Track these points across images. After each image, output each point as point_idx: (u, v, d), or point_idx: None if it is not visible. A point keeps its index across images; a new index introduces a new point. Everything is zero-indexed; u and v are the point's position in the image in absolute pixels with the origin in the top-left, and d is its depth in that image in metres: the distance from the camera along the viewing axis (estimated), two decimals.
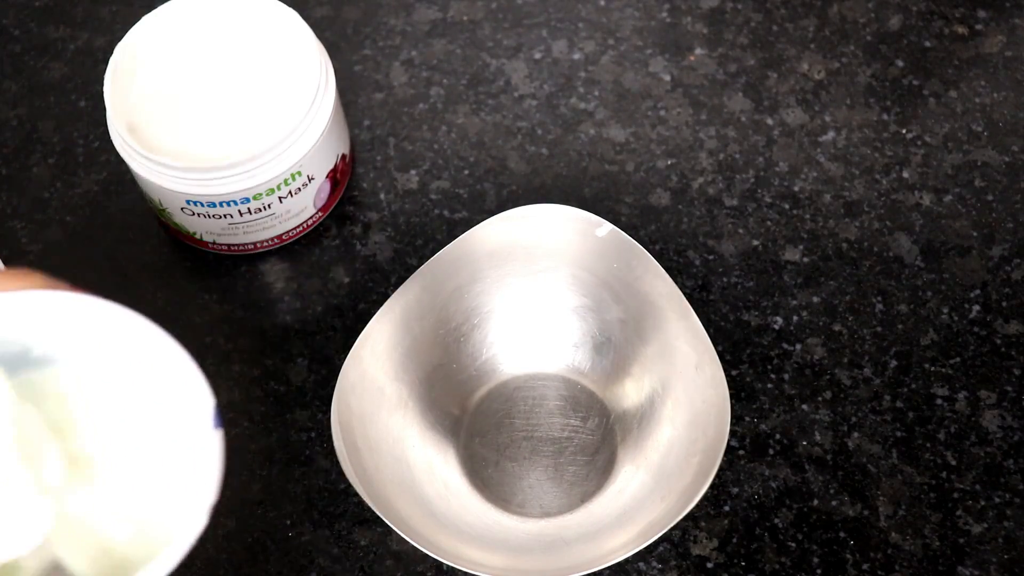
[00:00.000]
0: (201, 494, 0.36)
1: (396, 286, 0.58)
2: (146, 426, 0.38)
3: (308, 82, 0.60)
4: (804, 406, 0.61)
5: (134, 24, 0.61)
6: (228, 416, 0.61)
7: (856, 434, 0.60)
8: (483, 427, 0.60)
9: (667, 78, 0.71)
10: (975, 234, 0.66)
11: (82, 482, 0.37)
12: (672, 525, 0.51)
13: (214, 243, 0.64)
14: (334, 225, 0.67)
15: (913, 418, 0.60)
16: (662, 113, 0.70)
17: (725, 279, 0.65)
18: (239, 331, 0.64)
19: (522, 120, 0.70)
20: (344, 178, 0.66)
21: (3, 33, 0.75)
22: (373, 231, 0.67)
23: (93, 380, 0.38)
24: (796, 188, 0.67)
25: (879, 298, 0.64)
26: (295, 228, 0.64)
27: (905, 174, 0.68)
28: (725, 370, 0.54)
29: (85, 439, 0.38)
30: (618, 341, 0.60)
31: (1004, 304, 0.64)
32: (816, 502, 0.58)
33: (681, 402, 0.57)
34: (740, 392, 0.61)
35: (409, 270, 0.61)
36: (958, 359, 0.62)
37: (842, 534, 0.58)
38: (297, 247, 0.66)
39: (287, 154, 0.59)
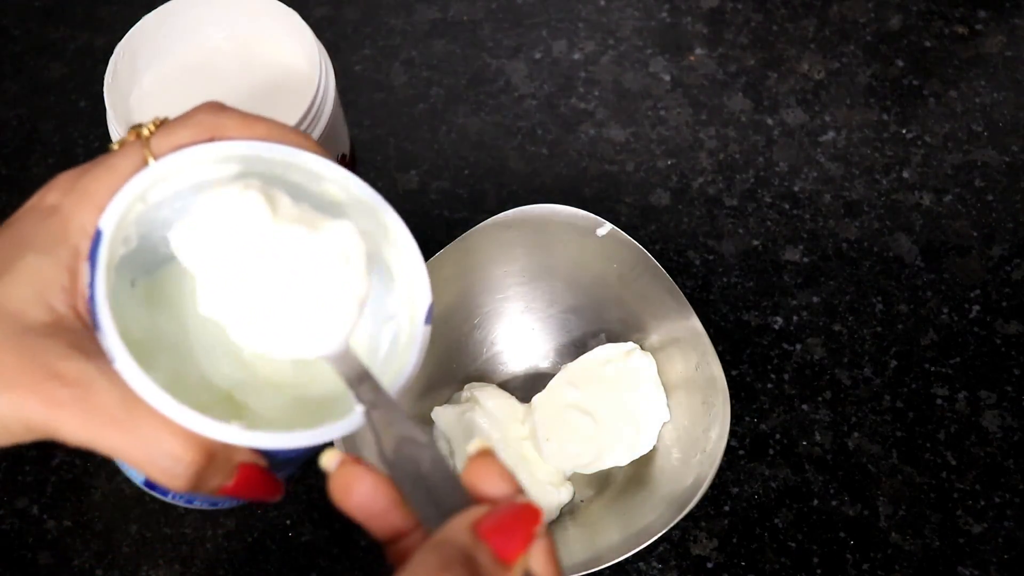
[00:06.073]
0: (400, 372, 0.38)
1: None
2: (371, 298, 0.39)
3: (308, 82, 0.60)
4: (804, 406, 0.61)
5: (134, 24, 0.61)
6: None
7: (856, 434, 0.60)
8: None
9: (667, 78, 0.71)
10: (975, 234, 0.66)
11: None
12: (672, 525, 0.51)
13: None
14: None
15: (913, 418, 0.60)
16: (662, 113, 0.70)
17: (725, 279, 0.65)
18: None
19: (522, 120, 0.70)
20: None
21: (3, 33, 0.75)
22: None
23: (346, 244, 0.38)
24: (796, 188, 0.67)
25: (879, 298, 0.64)
26: None
27: (905, 174, 0.68)
28: (725, 370, 0.54)
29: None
30: (618, 341, 0.60)
31: (1004, 304, 0.64)
32: (816, 502, 0.58)
33: (681, 402, 0.57)
34: (740, 392, 0.61)
35: None
36: (958, 359, 0.62)
37: (842, 534, 0.58)
38: None
39: None
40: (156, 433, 0.33)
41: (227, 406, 0.39)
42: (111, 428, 0.33)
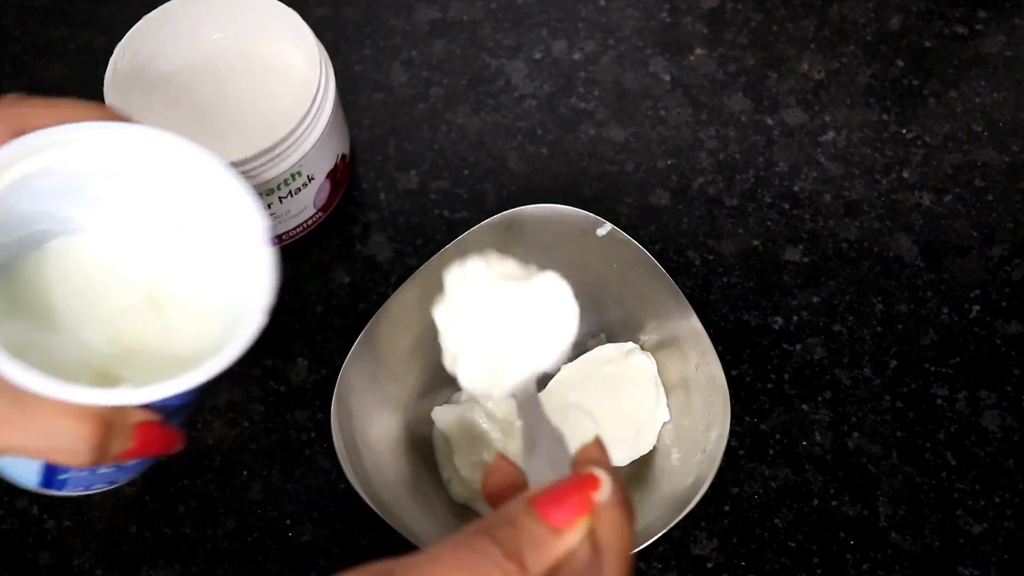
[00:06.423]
0: (258, 299, 0.40)
1: (396, 286, 0.58)
2: (205, 246, 0.41)
3: (308, 82, 0.60)
4: (804, 406, 0.61)
5: (134, 24, 0.61)
6: (228, 417, 0.61)
7: (856, 434, 0.60)
8: None
9: (667, 78, 0.71)
10: (975, 234, 0.66)
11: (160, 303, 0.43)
12: (672, 525, 0.51)
13: None
14: (334, 225, 0.67)
15: (913, 418, 0.60)
16: (662, 113, 0.70)
17: (725, 279, 0.65)
18: None
19: (522, 120, 0.70)
20: (344, 178, 0.66)
21: (3, 33, 0.75)
22: (373, 231, 0.67)
23: (158, 206, 0.41)
24: (796, 188, 0.67)
25: (879, 298, 0.64)
26: (295, 228, 0.64)
27: (905, 174, 0.68)
28: (725, 370, 0.54)
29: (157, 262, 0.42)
30: (618, 341, 0.60)
31: (1004, 304, 0.64)
32: (816, 502, 0.58)
33: (681, 402, 0.57)
34: (740, 392, 0.61)
35: (409, 270, 0.61)
36: (958, 359, 0.62)
37: (842, 534, 0.58)
38: (297, 247, 0.66)
39: (287, 154, 0.59)
40: (50, 419, 0.35)
41: (105, 383, 0.41)
42: (6, 428, 0.34)
